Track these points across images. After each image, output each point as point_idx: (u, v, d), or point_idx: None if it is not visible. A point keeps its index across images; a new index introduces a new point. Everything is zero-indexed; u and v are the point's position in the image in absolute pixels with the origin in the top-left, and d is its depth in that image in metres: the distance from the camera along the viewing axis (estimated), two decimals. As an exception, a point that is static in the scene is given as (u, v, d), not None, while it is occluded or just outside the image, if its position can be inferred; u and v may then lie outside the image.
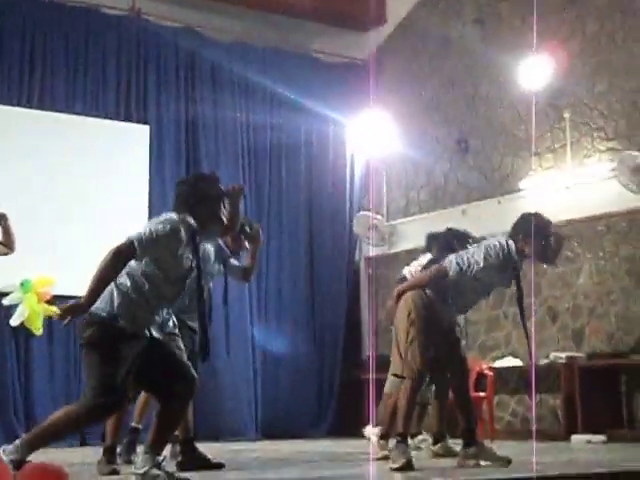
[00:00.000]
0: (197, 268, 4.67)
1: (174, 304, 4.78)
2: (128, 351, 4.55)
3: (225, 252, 6.11)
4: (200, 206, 4.74)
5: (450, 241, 6.55)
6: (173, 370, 4.70)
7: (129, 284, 4.58)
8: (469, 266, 5.73)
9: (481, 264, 5.70)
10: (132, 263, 4.56)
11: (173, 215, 4.70)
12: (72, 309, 4.40)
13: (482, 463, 5.67)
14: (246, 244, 6.32)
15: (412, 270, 7.03)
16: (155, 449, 4.71)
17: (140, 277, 4.59)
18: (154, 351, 4.66)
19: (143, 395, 6.42)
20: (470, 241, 6.45)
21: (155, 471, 4.66)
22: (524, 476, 4.61)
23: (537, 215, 5.86)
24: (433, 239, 7.08)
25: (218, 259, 5.98)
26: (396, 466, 5.52)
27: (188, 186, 4.88)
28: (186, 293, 4.81)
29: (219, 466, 5.92)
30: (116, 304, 4.55)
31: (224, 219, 4.80)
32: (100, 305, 4.54)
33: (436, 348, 5.80)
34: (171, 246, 4.57)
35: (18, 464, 4.16)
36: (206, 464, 5.90)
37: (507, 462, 5.63)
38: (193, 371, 4.74)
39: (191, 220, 4.69)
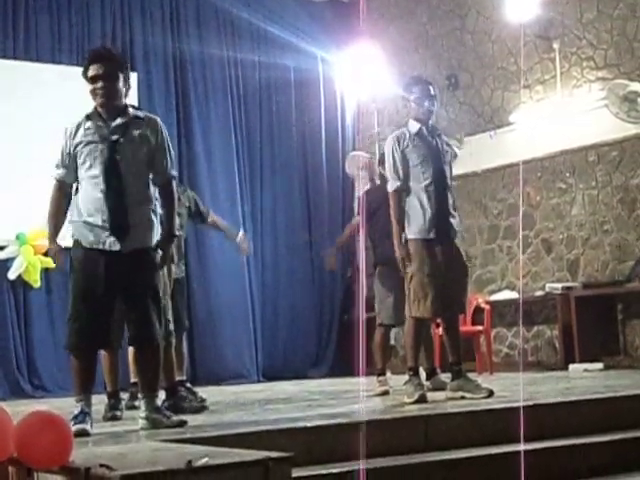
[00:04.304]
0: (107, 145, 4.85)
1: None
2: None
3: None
4: None
5: None
6: (136, 314, 4.82)
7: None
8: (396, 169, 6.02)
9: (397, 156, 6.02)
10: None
11: None
12: None
13: (467, 395, 5.76)
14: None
15: None
16: (148, 393, 4.81)
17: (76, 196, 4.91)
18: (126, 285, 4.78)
19: (132, 350, 6.47)
20: None
21: (154, 414, 4.75)
22: (522, 404, 4.68)
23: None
24: None
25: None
26: (411, 400, 5.65)
27: None
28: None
29: (199, 410, 5.92)
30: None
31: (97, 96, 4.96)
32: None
33: (433, 288, 5.85)
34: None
35: None
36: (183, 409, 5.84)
37: (489, 393, 5.71)
38: (153, 320, 4.82)
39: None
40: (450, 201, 6.05)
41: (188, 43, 10.96)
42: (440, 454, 4.35)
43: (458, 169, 10.18)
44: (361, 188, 10.99)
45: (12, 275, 9.39)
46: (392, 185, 6.03)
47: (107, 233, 4.77)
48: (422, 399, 5.65)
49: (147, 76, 10.63)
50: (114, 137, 4.87)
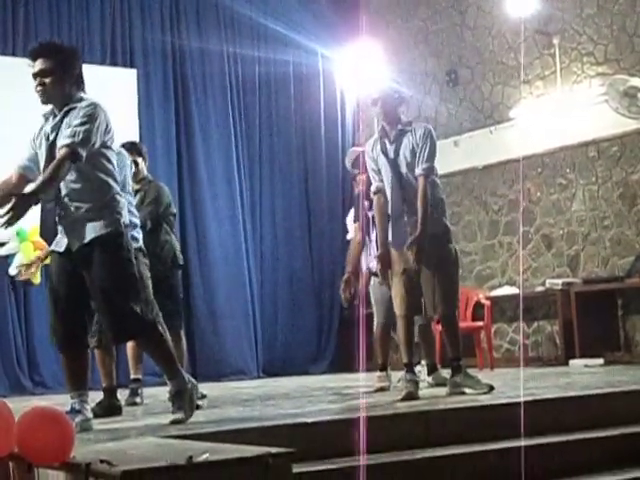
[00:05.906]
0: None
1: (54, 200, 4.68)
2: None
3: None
4: None
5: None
6: (100, 313, 4.70)
7: None
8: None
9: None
10: None
11: None
12: None
13: (467, 391, 5.75)
14: None
15: None
16: (172, 375, 4.77)
17: None
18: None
19: (130, 347, 6.47)
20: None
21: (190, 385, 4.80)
22: (523, 400, 4.68)
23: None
24: None
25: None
26: (399, 397, 5.62)
27: None
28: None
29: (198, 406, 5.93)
30: None
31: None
32: None
33: (402, 287, 5.88)
34: None
35: None
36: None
37: (490, 388, 5.70)
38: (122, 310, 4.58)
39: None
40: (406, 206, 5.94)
41: (188, 38, 10.95)
42: (440, 450, 4.35)
43: (458, 165, 10.28)
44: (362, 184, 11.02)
45: (13, 271, 9.38)
46: (373, 187, 6.13)
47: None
48: (409, 397, 5.58)
49: (146, 71, 10.63)
50: (51, 137, 4.65)
